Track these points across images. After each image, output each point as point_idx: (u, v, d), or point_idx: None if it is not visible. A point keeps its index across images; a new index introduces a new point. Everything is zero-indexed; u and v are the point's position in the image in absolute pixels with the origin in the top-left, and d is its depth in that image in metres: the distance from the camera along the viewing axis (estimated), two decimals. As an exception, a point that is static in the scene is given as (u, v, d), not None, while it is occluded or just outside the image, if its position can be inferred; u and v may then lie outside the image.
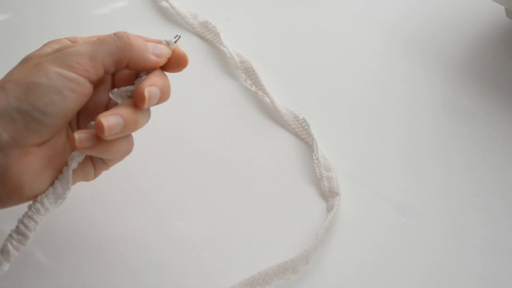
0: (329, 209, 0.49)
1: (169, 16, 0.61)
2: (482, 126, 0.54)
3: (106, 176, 0.48)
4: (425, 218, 0.49)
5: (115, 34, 0.43)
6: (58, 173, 0.42)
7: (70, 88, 0.40)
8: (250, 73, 0.56)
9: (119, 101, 0.43)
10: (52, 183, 0.42)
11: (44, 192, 0.41)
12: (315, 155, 0.52)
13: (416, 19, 0.62)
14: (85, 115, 0.45)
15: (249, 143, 0.53)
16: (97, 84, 0.43)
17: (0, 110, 0.39)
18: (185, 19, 0.60)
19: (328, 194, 0.50)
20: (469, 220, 0.49)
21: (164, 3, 0.62)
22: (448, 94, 0.56)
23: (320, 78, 0.58)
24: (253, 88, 0.56)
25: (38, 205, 0.41)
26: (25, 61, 0.43)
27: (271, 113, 0.55)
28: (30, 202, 0.41)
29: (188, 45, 0.58)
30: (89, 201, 0.48)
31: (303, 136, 0.53)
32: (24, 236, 0.40)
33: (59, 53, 0.41)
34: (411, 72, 0.58)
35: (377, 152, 0.53)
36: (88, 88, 0.41)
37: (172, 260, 0.47)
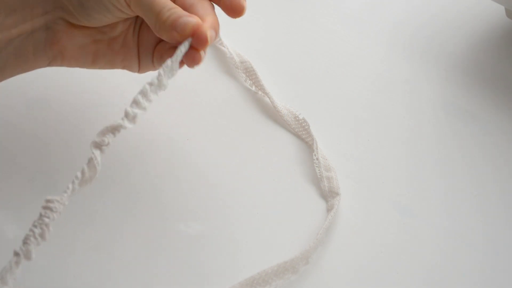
0: (329, 209, 0.49)
1: (169, 16, 0.61)
2: (482, 126, 0.54)
3: (106, 176, 0.48)
4: (425, 218, 0.49)
5: (161, 21, 0.45)
6: (97, 57, 0.48)
7: (114, 4, 0.45)
8: (250, 73, 0.56)
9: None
10: (89, 64, 0.48)
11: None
12: (315, 155, 0.52)
13: (417, 19, 0.62)
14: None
15: (249, 143, 0.53)
16: None
17: None
18: (185, 19, 0.60)
19: (328, 194, 0.50)
20: (469, 220, 0.49)
21: (164, 3, 0.62)
22: (448, 94, 0.56)
23: (320, 78, 0.57)
24: (253, 88, 0.56)
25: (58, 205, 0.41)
26: None
27: (271, 113, 0.55)
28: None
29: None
30: (89, 201, 0.48)
31: (303, 136, 0.53)
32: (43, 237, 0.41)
33: None
34: (412, 72, 0.58)
35: (377, 152, 0.53)
36: (126, 9, 0.45)
37: (172, 260, 0.47)
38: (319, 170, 0.51)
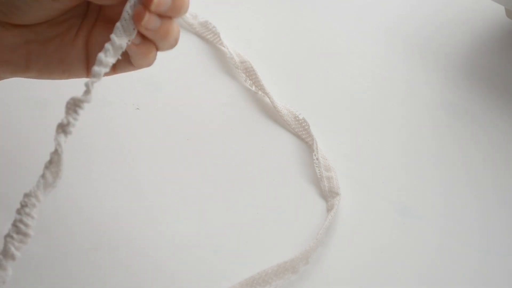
0: (329, 209, 0.49)
1: (169, 16, 0.61)
2: (482, 126, 0.54)
3: (106, 175, 0.48)
4: (425, 218, 0.49)
5: None
6: (30, 58, 0.43)
7: None
8: (250, 73, 0.56)
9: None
10: (23, 67, 0.43)
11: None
12: (315, 155, 0.52)
13: (416, 19, 0.62)
14: (104, 21, 0.44)
15: (249, 143, 0.53)
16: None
17: None
18: (185, 19, 0.60)
19: (328, 194, 0.50)
20: (469, 221, 0.49)
21: (164, 3, 0.62)
22: (448, 94, 0.56)
23: (320, 78, 0.57)
24: (253, 88, 0.56)
25: (32, 199, 0.40)
26: None
27: (271, 113, 0.55)
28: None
29: (188, 45, 0.58)
30: (89, 200, 0.48)
31: (303, 136, 0.53)
32: (25, 235, 0.40)
33: None
34: (411, 72, 0.58)
35: (377, 152, 0.53)
36: None
37: (172, 260, 0.47)
38: (319, 170, 0.51)
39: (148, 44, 0.42)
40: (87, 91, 0.39)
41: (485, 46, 0.60)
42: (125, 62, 0.43)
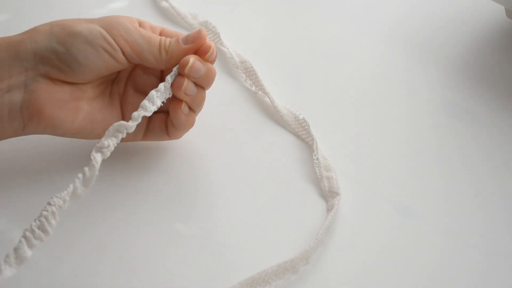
0: (329, 209, 0.49)
1: (169, 16, 0.61)
2: (482, 126, 0.54)
3: (106, 175, 0.48)
4: (425, 218, 0.49)
5: (165, 49, 0.47)
6: (77, 114, 0.47)
7: (105, 48, 0.46)
8: (250, 73, 0.56)
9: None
10: (69, 123, 0.46)
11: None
12: (315, 155, 0.52)
13: (416, 19, 0.62)
14: (133, 89, 0.50)
15: (249, 143, 0.53)
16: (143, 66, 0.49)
17: (41, 45, 0.45)
18: (185, 19, 0.60)
19: (328, 194, 0.50)
20: (469, 220, 0.49)
21: (164, 3, 0.62)
22: (448, 94, 0.56)
23: (320, 78, 0.57)
24: (253, 88, 0.56)
25: (60, 201, 0.42)
26: (84, 18, 0.48)
27: (271, 113, 0.55)
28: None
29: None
30: (89, 201, 0.48)
31: (303, 136, 0.53)
32: (45, 232, 0.41)
33: (111, 20, 0.47)
34: (411, 72, 0.58)
35: (377, 152, 0.53)
36: (121, 58, 0.46)
37: (172, 260, 0.47)
38: (319, 170, 0.51)
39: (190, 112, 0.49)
40: (134, 120, 0.45)
41: (485, 46, 0.60)
42: (161, 131, 0.50)
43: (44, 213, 0.41)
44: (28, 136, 0.48)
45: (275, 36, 0.60)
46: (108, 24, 0.46)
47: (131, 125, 0.44)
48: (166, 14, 0.61)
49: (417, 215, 0.49)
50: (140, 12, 0.61)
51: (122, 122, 0.44)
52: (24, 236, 0.40)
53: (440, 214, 0.49)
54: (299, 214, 0.49)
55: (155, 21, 0.61)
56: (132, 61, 0.47)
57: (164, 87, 0.47)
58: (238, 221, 0.49)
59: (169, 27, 0.60)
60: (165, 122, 0.49)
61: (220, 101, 0.55)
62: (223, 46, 0.58)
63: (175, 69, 0.47)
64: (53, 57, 0.45)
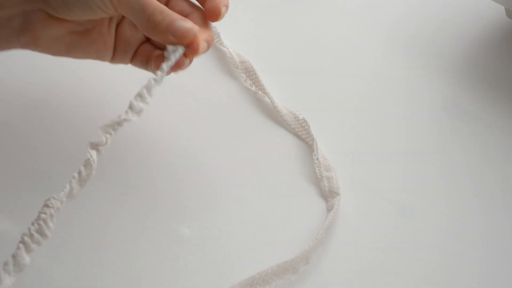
0: (329, 209, 0.49)
1: (169, 16, 0.61)
2: (483, 125, 0.54)
3: (106, 175, 0.48)
4: (425, 218, 0.49)
5: (153, 24, 0.45)
6: (71, 47, 0.47)
7: (98, 5, 0.44)
8: (250, 73, 0.56)
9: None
10: (63, 53, 0.47)
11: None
12: (315, 155, 0.52)
13: (417, 19, 0.62)
14: (129, 20, 0.49)
15: (249, 143, 0.53)
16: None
17: None
18: (185, 19, 0.60)
19: (328, 194, 0.50)
20: (469, 220, 0.49)
21: (164, 3, 0.62)
22: (449, 94, 0.56)
23: (320, 78, 0.57)
24: (253, 88, 0.56)
25: (57, 203, 0.41)
26: None
27: (271, 113, 0.55)
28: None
29: (188, 45, 0.58)
30: (89, 201, 0.48)
31: (303, 136, 0.53)
32: (44, 235, 0.41)
33: None
34: (412, 72, 0.58)
35: (377, 152, 0.53)
36: (110, 10, 0.45)
37: (172, 260, 0.47)
38: (319, 170, 0.51)
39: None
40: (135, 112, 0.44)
41: (485, 46, 0.60)
42: (143, 64, 0.49)
43: (42, 215, 0.40)
44: (28, 136, 0.48)
45: (275, 36, 0.60)
46: None
47: (133, 119, 0.43)
48: (166, 14, 0.61)
49: (417, 215, 0.49)
50: (140, 12, 0.61)
51: (123, 116, 0.43)
52: (22, 241, 0.39)
53: (440, 214, 0.49)
54: (299, 214, 0.49)
55: (155, 21, 0.61)
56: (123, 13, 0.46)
57: (161, 75, 0.45)
58: (238, 221, 0.49)
59: (169, 27, 0.60)
60: (147, 56, 0.49)
61: (220, 101, 0.55)
62: (223, 46, 0.58)
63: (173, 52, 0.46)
64: None
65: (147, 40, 0.49)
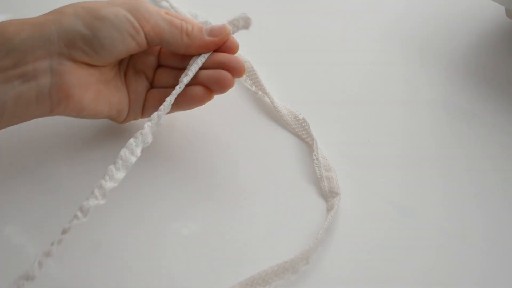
0: (329, 209, 0.49)
1: (169, 16, 0.61)
2: (482, 125, 0.54)
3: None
4: (425, 218, 0.49)
5: (187, 33, 0.48)
6: (99, 97, 0.47)
7: (130, 33, 0.46)
8: (250, 73, 0.56)
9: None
10: (93, 105, 0.47)
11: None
12: (315, 155, 0.52)
13: (416, 19, 0.62)
14: (133, 69, 0.50)
15: (249, 143, 0.53)
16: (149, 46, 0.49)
17: (66, 28, 0.45)
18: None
19: (328, 194, 0.50)
20: (469, 220, 0.49)
21: (164, 3, 0.62)
22: (448, 94, 0.56)
23: (320, 78, 0.57)
24: (253, 88, 0.56)
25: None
26: (106, 0, 0.48)
27: (271, 113, 0.55)
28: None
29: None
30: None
31: (303, 136, 0.53)
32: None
33: (134, 2, 0.47)
34: (411, 72, 0.58)
35: (377, 152, 0.53)
36: (143, 41, 0.47)
37: (172, 261, 0.47)
38: (319, 170, 0.51)
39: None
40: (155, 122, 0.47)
41: (485, 46, 0.60)
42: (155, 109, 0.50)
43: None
44: (29, 134, 0.48)
45: (275, 36, 0.60)
46: (133, 7, 0.46)
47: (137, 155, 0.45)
48: (166, 14, 0.61)
49: (417, 215, 0.49)
50: (140, 12, 0.61)
51: (129, 155, 0.45)
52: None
53: (440, 214, 0.49)
54: (299, 214, 0.49)
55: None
56: (152, 44, 0.47)
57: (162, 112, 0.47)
58: (238, 221, 0.49)
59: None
60: (159, 99, 0.49)
61: (220, 101, 0.55)
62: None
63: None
64: (79, 40, 0.45)
65: (152, 86, 0.50)
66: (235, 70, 0.48)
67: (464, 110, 0.55)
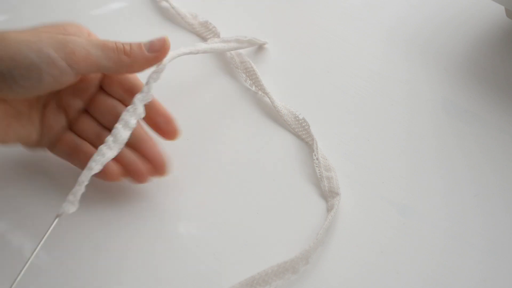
0: (329, 209, 0.49)
1: (169, 16, 0.61)
2: (482, 125, 0.54)
3: (106, 176, 0.48)
4: (425, 218, 0.49)
5: (125, 53, 0.46)
6: (8, 130, 0.44)
7: (52, 74, 0.43)
8: (250, 73, 0.56)
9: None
10: (3, 134, 0.44)
11: None
12: (315, 155, 0.52)
13: (416, 19, 0.62)
14: (56, 103, 0.47)
15: (249, 143, 0.53)
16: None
17: None
18: (185, 19, 0.60)
19: (328, 194, 0.50)
20: (469, 220, 0.49)
21: (164, 3, 0.62)
22: (448, 94, 0.56)
23: (320, 78, 0.57)
24: (253, 88, 0.56)
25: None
26: (36, 28, 0.45)
27: (271, 113, 0.55)
28: None
29: (188, 45, 0.58)
30: (89, 201, 0.48)
31: (303, 136, 0.53)
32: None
33: (64, 37, 0.44)
34: (412, 72, 0.58)
35: (377, 152, 0.53)
36: (70, 78, 0.44)
37: (172, 260, 0.47)
38: (319, 170, 0.51)
39: None
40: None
41: (485, 46, 0.60)
42: None
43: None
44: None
45: (275, 36, 0.60)
46: (59, 42, 0.43)
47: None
48: (166, 14, 0.61)
49: (417, 215, 0.49)
50: (140, 12, 0.61)
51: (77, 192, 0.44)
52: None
53: (440, 214, 0.49)
54: (299, 214, 0.49)
55: (155, 21, 0.61)
56: (91, 73, 0.45)
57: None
58: (238, 221, 0.49)
59: (169, 27, 0.60)
60: (73, 147, 0.47)
61: (220, 101, 0.55)
62: (223, 46, 0.58)
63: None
64: None
65: (70, 128, 0.48)
66: (158, 168, 0.48)
67: (464, 110, 0.55)
